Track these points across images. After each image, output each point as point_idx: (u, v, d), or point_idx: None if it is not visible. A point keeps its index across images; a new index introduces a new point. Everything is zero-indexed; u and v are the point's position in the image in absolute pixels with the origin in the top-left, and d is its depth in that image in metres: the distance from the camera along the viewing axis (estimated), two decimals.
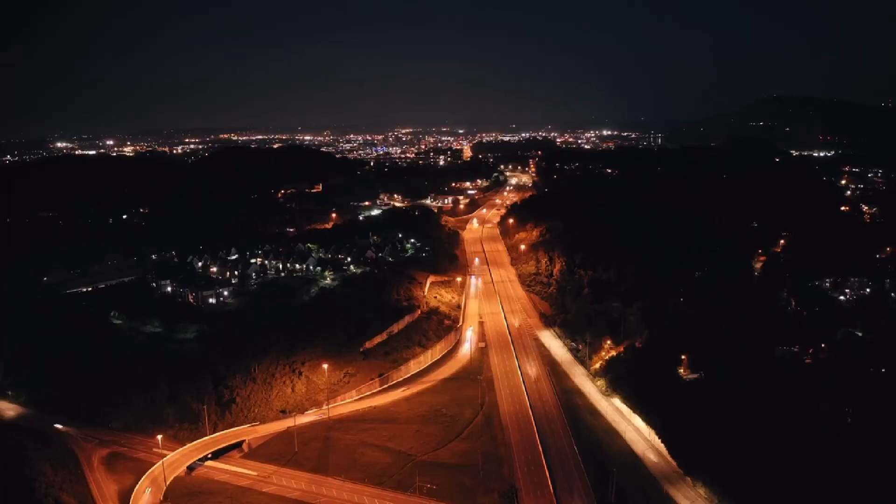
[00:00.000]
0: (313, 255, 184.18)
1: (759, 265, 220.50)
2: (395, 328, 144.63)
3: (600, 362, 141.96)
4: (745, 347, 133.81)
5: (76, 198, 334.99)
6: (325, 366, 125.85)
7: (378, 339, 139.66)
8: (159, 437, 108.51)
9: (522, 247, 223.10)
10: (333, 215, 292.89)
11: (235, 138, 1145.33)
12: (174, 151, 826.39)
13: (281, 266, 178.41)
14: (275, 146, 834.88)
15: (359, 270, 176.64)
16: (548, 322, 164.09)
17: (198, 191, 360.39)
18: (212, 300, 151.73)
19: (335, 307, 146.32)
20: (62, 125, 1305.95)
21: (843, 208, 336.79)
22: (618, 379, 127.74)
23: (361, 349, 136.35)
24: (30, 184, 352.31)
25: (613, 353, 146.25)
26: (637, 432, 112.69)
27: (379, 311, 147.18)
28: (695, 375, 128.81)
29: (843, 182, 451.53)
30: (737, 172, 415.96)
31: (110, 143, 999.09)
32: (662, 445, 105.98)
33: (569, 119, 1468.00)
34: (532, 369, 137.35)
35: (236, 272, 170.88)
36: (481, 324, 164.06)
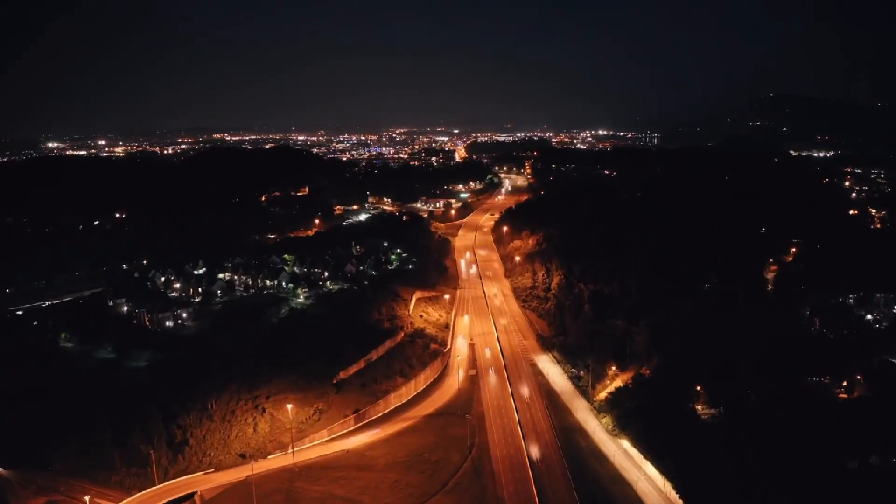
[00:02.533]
0: (286, 269, 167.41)
1: (770, 275, 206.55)
2: (374, 355, 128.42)
3: (605, 392, 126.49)
4: (769, 378, 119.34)
5: (48, 202, 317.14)
6: (290, 406, 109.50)
7: (354, 369, 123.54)
8: (87, 497, 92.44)
9: (517, 258, 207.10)
10: (317, 221, 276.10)
11: (228, 138, 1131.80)
12: (165, 152, 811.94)
13: (251, 281, 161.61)
14: (267, 146, 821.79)
15: (335, 287, 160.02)
16: (545, 344, 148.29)
17: (177, 195, 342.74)
18: (169, 323, 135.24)
19: (306, 331, 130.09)
20: (55, 125, 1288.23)
21: (851, 212, 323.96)
22: (626, 416, 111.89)
23: (335, 380, 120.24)
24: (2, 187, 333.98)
25: (619, 381, 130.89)
26: (650, 482, 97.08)
27: (356, 335, 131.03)
28: (712, 411, 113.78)
29: (847, 183, 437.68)
30: (739, 174, 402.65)
31: (102, 143, 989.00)
32: (681, 502, 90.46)
33: (564, 118, 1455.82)
34: (528, 403, 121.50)
35: (200, 289, 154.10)
36: (471, 346, 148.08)
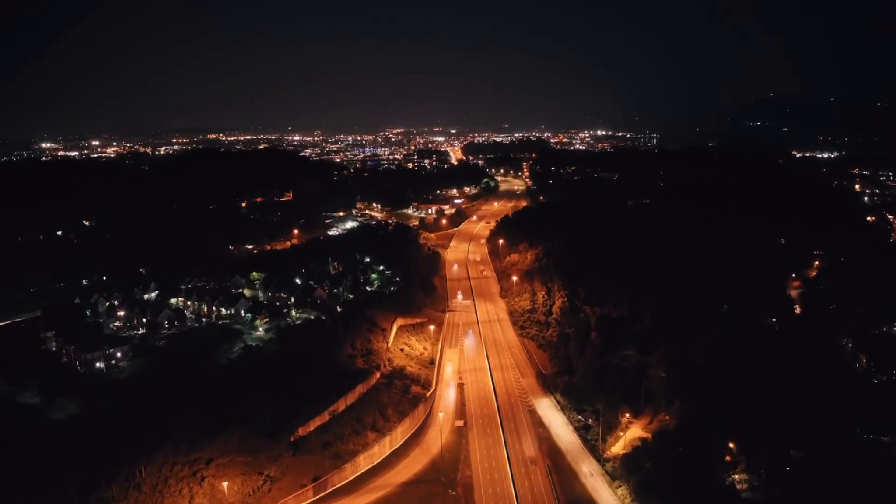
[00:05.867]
0: (246, 294, 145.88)
1: (794, 291, 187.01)
2: (342, 404, 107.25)
3: (619, 445, 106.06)
4: (814, 431, 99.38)
5: (14, 209, 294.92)
6: (226, 484, 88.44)
7: (316, 423, 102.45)
8: None
9: (515, 277, 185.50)
10: (295, 232, 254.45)
11: (223, 138, 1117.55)
12: (157, 152, 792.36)
13: (206, 308, 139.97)
14: (261, 147, 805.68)
15: (302, 316, 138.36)
16: (547, 384, 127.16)
17: (154, 200, 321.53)
18: (100, 364, 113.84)
19: (262, 375, 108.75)
20: (58, 126, 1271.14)
21: (868, 218, 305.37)
22: (646, 485, 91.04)
23: (292, 438, 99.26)
24: None
25: (635, 430, 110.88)
26: None
27: (321, 379, 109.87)
28: (751, 476, 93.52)
29: (857, 187, 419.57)
30: (746, 176, 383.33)
31: (96, 143, 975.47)
32: None
33: (563, 118, 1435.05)
34: (527, 465, 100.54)
35: (145, 319, 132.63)
36: (460, 387, 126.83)
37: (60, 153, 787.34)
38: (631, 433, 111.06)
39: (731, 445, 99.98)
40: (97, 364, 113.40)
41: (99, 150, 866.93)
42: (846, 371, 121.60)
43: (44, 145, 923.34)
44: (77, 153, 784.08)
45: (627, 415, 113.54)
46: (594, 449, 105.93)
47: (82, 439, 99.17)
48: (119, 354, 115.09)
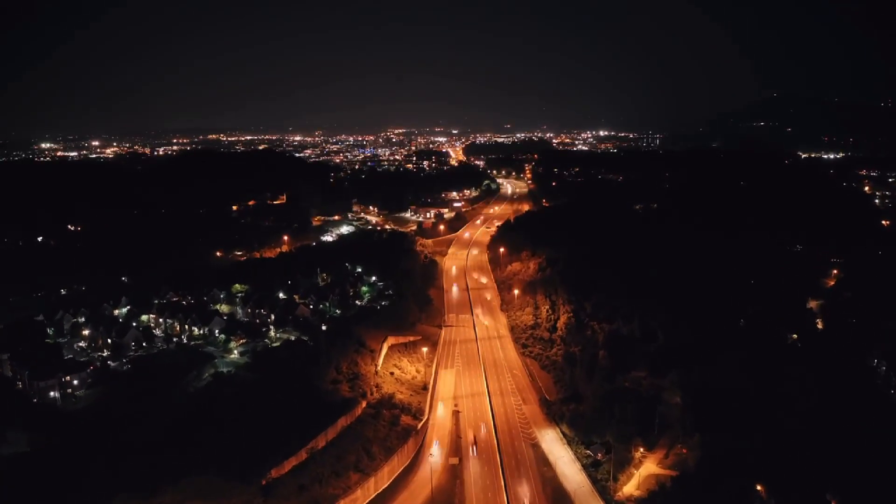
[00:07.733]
0: (221, 311, 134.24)
1: (813, 303, 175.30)
2: (322, 440, 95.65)
3: (632, 486, 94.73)
4: (854, 473, 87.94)
5: None
6: None
7: (292, 463, 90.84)
8: None
9: (516, 290, 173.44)
10: (285, 238, 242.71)
11: (224, 139, 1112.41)
12: (156, 153, 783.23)
13: (178, 327, 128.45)
14: (261, 147, 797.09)
15: (283, 337, 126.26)
16: (551, 413, 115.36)
17: (142, 205, 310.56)
18: (54, 393, 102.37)
19: (232, 406, 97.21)
20: (53, 125, 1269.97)
21: (883, 222, 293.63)
22: None
23: (264, 481, 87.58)
24: None
25: (649, 465, 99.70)
26: None
27: (300, 411, 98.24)
28: None
29: (867, 189, 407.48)
30: (754, 179, 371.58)
31: (96, 143, 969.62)
32: None
33: (564, 118, 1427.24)
34: None
35: (109, 340, 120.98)
36: (455, 415, 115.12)
37: (59, 154, 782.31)
38: (645, 469, 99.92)
39: (758, 488, 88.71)
40: (51, 393, 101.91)
41: (98, 150, 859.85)
42: (882, 398, 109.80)
43: (43, 146, 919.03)
44: (76, 154, 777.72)
45: (641, 449, 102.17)
46: (605, 490, 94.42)
47: (26, 481, 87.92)
48: (76, 382, 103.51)
